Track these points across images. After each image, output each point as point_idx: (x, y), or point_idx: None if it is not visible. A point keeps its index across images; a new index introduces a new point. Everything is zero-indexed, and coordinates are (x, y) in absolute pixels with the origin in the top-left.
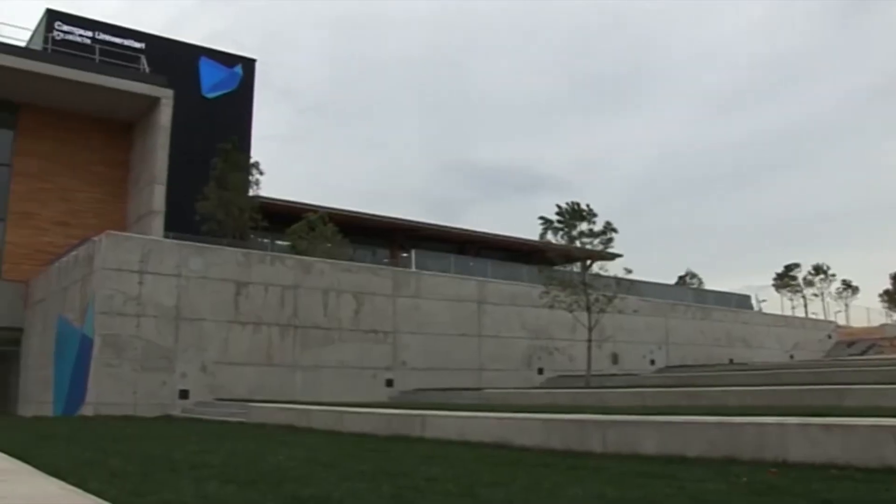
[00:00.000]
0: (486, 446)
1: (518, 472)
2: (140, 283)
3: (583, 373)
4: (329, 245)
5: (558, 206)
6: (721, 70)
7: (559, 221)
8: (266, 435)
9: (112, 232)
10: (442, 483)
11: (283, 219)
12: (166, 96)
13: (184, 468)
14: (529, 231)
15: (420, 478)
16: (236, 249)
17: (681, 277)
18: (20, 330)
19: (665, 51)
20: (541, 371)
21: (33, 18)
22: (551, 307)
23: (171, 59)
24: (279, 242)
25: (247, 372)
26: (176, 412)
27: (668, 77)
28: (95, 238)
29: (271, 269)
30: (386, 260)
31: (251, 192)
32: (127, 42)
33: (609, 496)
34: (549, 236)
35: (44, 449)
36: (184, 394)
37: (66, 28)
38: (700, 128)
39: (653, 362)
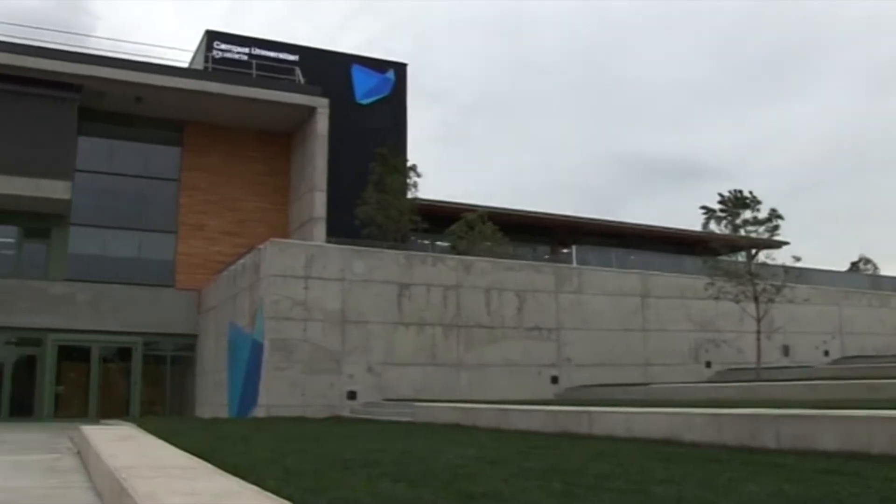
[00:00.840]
0: (654, 442)
1: (689, 469)
2: (305, 287)
3: (752, 365)
4: (489, 244)
5: (720, 195)
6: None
7: (722, 210)
8: (433, 434)
9: (276, 239)
10: (612, 480)
11: (442, 219)
12: (322, 105)
13: (356, 467)
14: (691, 221)
15: (590, 475)
16: (398, 252)
17: (853, 264)
18: (195, 336)
19: (831, 26)
20: (708, 364)
21: (190, 39)
22: (717, 298)
23: (325, 68)
24: (439, 243)
25: (412, 372)
26: (345, 413)
27: (834, 53)
28: (261, 246)
29: (433, 269)
30: (546, 256)
31: (409, 195)
32: (281, 55)
33: (788, 494)
34: (712, 226)
35: (222, 449)
36: (352, 395)
37: (224, 47)
38: (870, 106)
39: (826, 353)
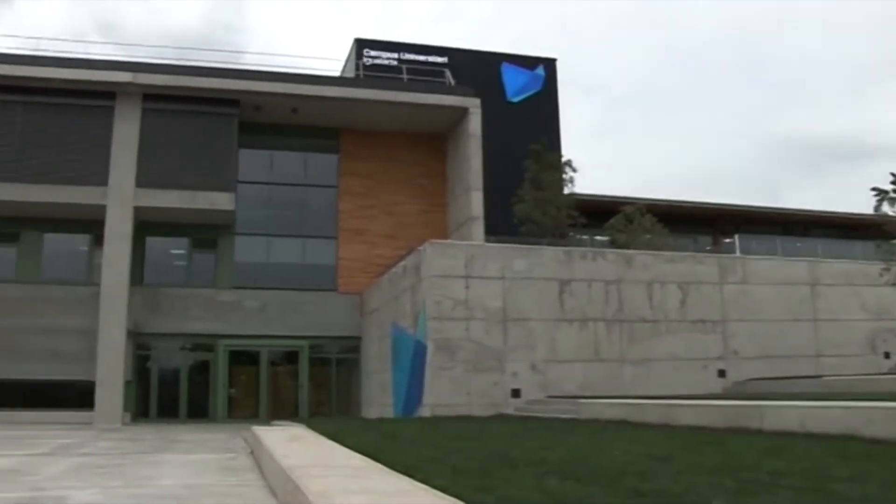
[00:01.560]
0: (831, 438)
1: (872, 467)
2: (466, 287)
3: None
4: (649, 236)
5: (893, 175)
6: None
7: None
8: (599, 431)
9: (436, 240)
10: (788, 477)
11: (600, 214)
12: (474, 105)
13: (522, 465)
14: (861, 205)
15: (763, 471)
16: (557, 248)
17: None
18: (358, 338)
19: None
20: (887, 355)
21: (339, 48)
22: (894, 285)
23: (474, 68)
24: (598, 238)
25: (575, 368)
26: (509, 411)
27: None
28: (421, 248)
29: (593, 264)
30: (708, 247)
31: (566, 190)
32: (430, 58)
33: None
34: (885, 208)
35: (389, 448)
36: (515, 392)
37: (373, 53)
38: None
39: None
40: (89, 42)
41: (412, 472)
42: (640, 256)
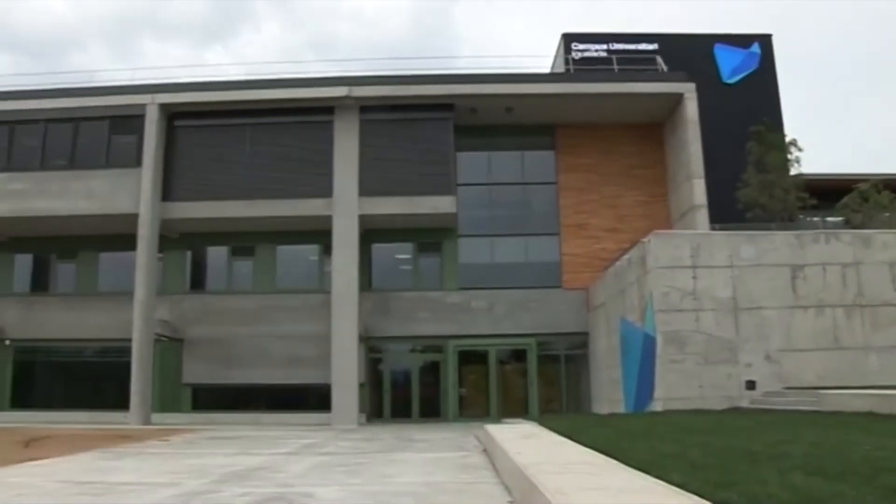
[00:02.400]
0: None
1: None
2: (694, 277)
3: None
4: (888, 214)
5: None
6: None
7: None
8: (843, 423)
9: (659, 231)
10: None
11: (830, 193)
12: (689, 90)
13: (763, 459)
14: None
15: None
16: (787, 232)
17: None
18: (585, 334)
19: None
20: None
21: (545, 43)
22: None
23: (686, 52)
24: (830, 219)
25: (812, 358)
26: (743, 403)
27: None
28: (645, 239)
29: (826, 247)
30: None
31: (792, 171)
32: (640, 46)
33: None
34: None
35: (623, 444)
36: (750, 384)
37: (581, 47)
38: None
39: None
40: (306, 62)
41: (648, 467)
42: (880, 236)
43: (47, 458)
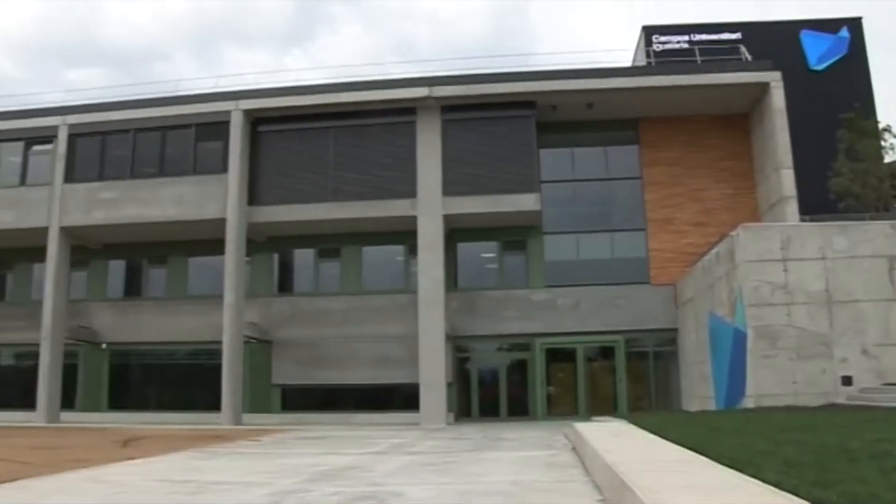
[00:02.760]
0: None
1: None
2: (785, 270)
3: None
4: None
5: None
6: None
7: None
8: None
9: (748, 224)
10: None
11: None
12: (775, 79)
13: (863, 458)
14: None
15: None
16: (882, 222)
17: None
18: (674, 330)
19: None
20: None
21: (624, 37)
22: None
23: (770, 40)
24: None
25: None
26: (839, 400)
27: None
28: (733, 232)
29: None
30: None
31: (887, 159)
32: (723, 36)
33: None
34: None
35: (714, 441)
36: (846, 380)
37: (663, 39)
38: None
39: None
40: (385, 64)
41: (741, 465)
42: None
43: (144, 457)
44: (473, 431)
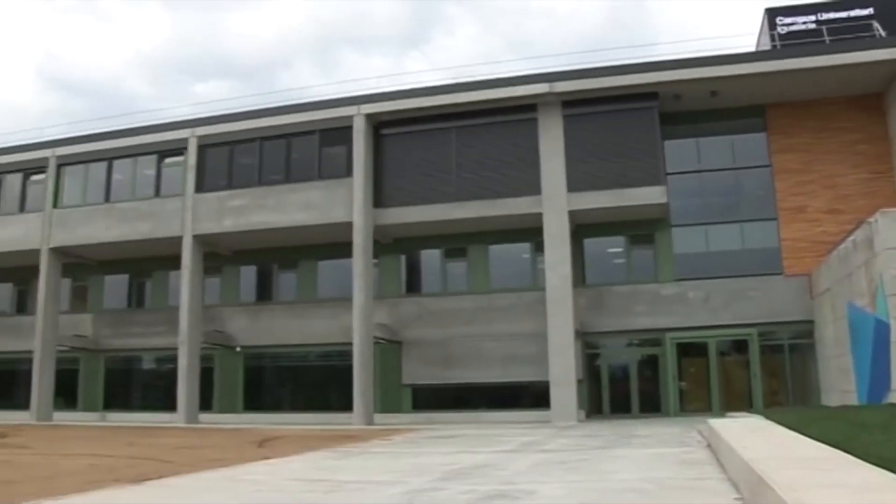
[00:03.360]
0: None
1: None
2: None
3: None
4: None
5: None
6: None
7: None
8: None
9: (887, 209)
10: None
11: None
12: None
13: None
14: None
15: None
16: None
17: None
18: (810, 322)
19: None
20: None
21: (744, 20)
22: None
23: None
24: None
25: None
26: None
27: None
28: (870, 219)
29: None
30: None
31: None
32: (852, 13)
33: None
34: None
35: (858, 438)
36: None
37: (787, 20)
38: None
39: None
40: (503, 62)
41: (889, 464)
42: None
43: (279, 457)
44: (605, 429)
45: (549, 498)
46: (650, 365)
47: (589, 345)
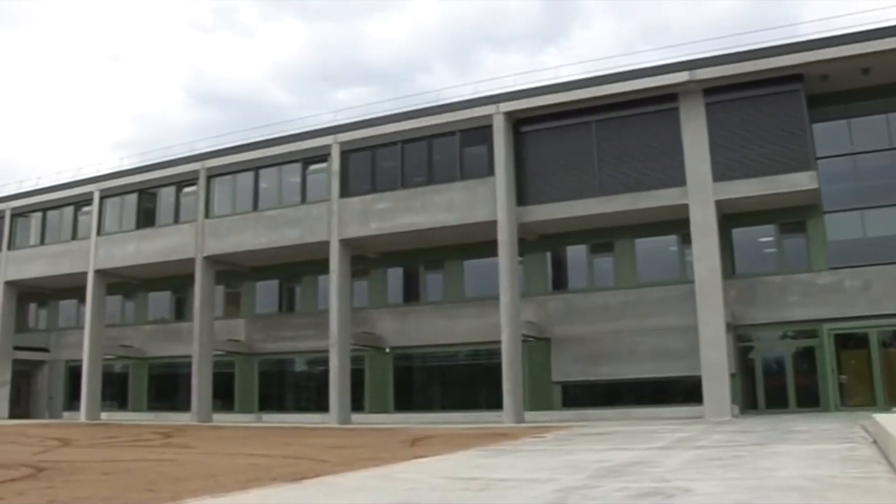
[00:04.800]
0: None
1: None
2: None
3: None
4: None
5: None
6: None
7: None
8: None
9: None
10: None
11: None
12: None
13: None
14: None
15: None
16: None
17: None
18: None
19: None
20: None
21: None
22: None
23: None
24: None
25: None
26: None
27: None
28: None
29: None
30: None
31: None
32: None
33: None
34: None
35: None
36: None
37: None
38: None
39: None
40: (640, 52)
41: None
42: None
43: (431, 455)
44: (760, 424)
45: (706, 495)
46: (807, 357)
47: (741, 337)
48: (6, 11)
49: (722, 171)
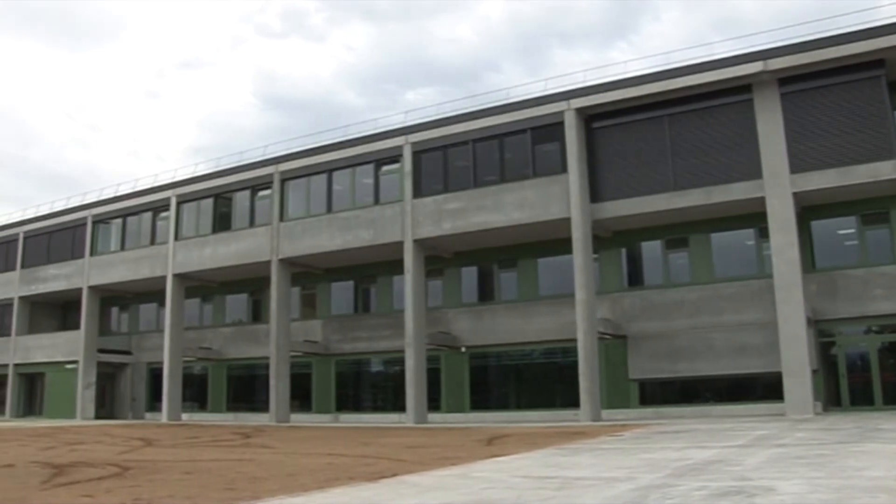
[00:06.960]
0: None
1: None
2: None
3: None
4: None
5: None
6: None
7: None
8: None
9: None
10: None
11: None
12: None
13: None
14: None
15: None
16: None
17: None
18: None
19: None
20: None
21: None
22: None
23: None
24: None
25: None
26: None
27: None
28: None
29: None
30: None
31: None
32: None
33: None
34: None
35: None
36: None
37: None
38: None
39: None
40: (711, 43)
41: None
42: None
43: (507, 454)
44: (844, 421)
45: (790, 495)
46: (893, 353)
47: (823, 333)
48: (85, 26)
49: (799, 163)
